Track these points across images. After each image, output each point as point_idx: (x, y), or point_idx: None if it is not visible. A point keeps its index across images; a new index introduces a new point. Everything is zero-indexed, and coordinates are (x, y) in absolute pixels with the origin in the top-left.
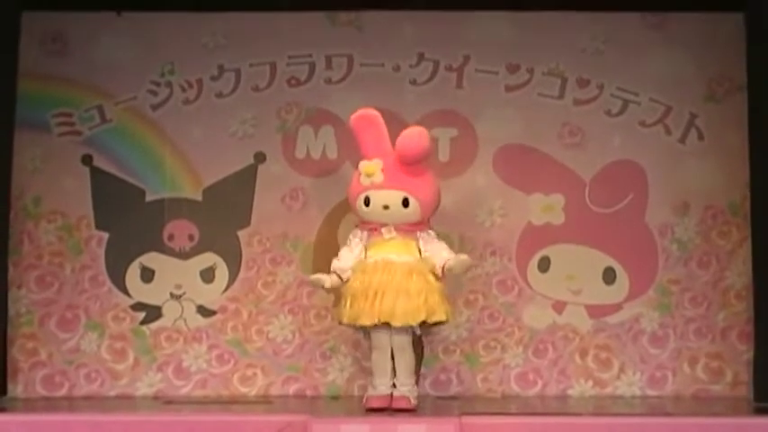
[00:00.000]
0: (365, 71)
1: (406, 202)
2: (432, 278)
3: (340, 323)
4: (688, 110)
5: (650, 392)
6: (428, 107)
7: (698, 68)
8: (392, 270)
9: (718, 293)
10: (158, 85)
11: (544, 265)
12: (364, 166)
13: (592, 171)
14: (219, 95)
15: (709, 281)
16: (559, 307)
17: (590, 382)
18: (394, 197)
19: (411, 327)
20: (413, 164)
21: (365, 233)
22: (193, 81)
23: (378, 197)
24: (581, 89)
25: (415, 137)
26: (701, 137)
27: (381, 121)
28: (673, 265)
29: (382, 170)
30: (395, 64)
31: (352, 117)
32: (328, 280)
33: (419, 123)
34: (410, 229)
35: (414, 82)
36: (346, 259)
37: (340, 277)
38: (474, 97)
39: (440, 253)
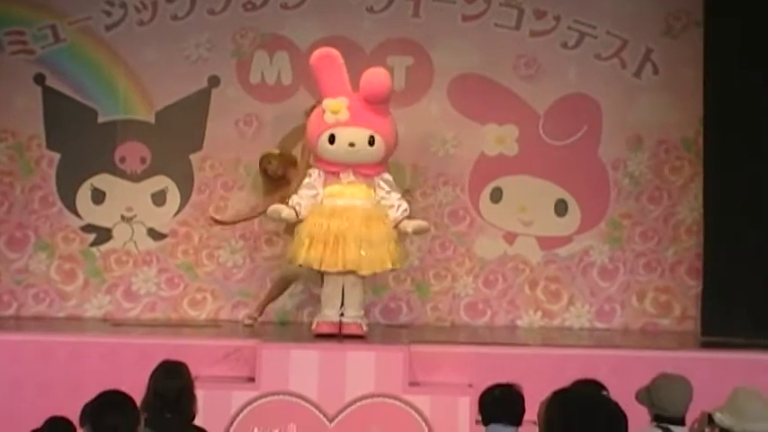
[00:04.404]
0: None
1: (371, 141)
2: (389, 224)
3: (294, 263)
4: (644, 44)
5: (599, 325)
6: (384, 35)
7: (656, 3)
8: (351, 216)
9: (668, 228)
10: (113, 5)
11: (496, 195)
12: (329, 103)
13: (546, 103)
14: (174, 18)
15: (660, 215)
16: (510, 238)
17: (539, 314)
18: (360, 135)
19: None
20: (378, 103)
21: (321, 174)
22: (148, 2)
23: (344, 134)
24: (538, 20)
25: (380, 76)
26: (656, 71)
27: (341, 59)
28: (624, 199)
29: (348, 108)
30: None
31: (314, 56)
32: (285, 211)
33: (376, 51)
34: (369, 172)
35: (371, 9)
36: (305, 197)
37: (297, 214)
38: (430, 26)
39: (395, 203)
